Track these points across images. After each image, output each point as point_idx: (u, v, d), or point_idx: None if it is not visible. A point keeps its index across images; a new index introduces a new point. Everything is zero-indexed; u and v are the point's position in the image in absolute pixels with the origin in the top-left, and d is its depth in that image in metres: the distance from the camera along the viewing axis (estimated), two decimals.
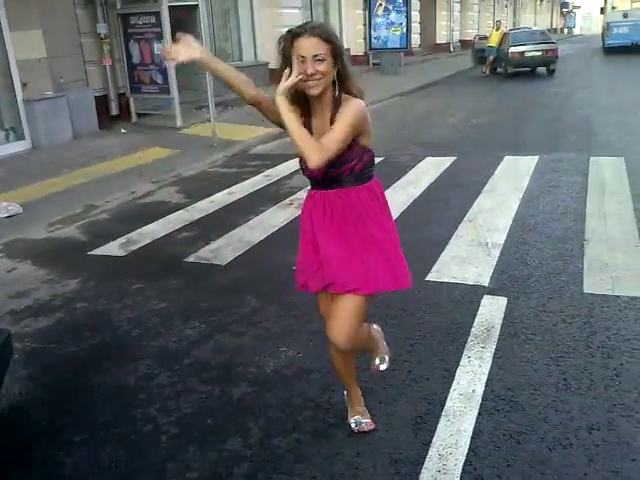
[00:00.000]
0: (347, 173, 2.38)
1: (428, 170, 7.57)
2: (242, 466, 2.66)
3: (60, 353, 3.77)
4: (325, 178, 2.40)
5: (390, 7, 21.03)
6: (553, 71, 19.37)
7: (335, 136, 2.24)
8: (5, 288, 4.80)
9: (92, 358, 3.69)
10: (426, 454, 2.64)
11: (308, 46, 2.21)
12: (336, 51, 2.26)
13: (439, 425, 2.82)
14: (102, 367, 3.57)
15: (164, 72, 11.09)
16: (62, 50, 10.35)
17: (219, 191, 7.36)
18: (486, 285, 4.27)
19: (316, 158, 2.20)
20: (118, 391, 3.32)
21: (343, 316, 2.48)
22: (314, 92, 2.27)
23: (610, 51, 25.08)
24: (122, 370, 3.51)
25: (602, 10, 27.85)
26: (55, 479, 2.69)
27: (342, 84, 2.33)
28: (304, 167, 2.42)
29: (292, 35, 2.27)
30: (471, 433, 2.75)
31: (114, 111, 11.75)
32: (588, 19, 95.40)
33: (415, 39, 27.99)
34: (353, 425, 2.83)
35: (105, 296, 4.55)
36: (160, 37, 10.86)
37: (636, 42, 23.87)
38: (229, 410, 3.08)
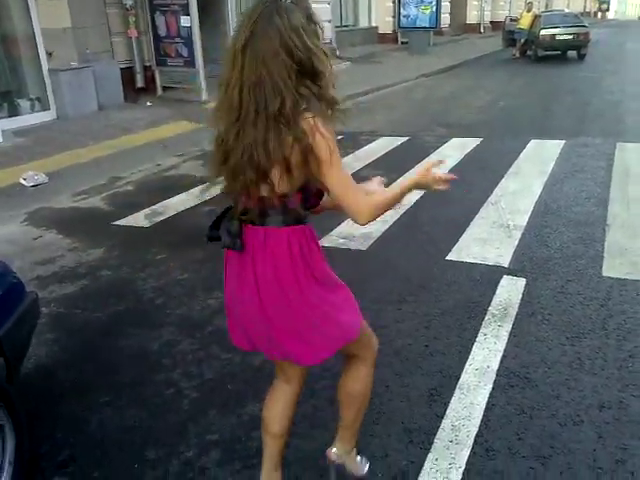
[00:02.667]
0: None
1: (453, 151, 7.55)
2: (260, 430, 2.75)
3: (85, 318, 3.88)
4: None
5: None
6: (584, 55, 19.03)
7: None
8: (31, 255, 4.93)
9: (116, 324, 3.80)
10: (439, 425, 2.71)
11: None
12: None
13: (453, 398, 2.89)
14: (126, 332, 3.68)
15: (190, 45, 11.09)
16: (87, 20, 10.39)
17: None
18: (506, 266, 4.30)
19: None
20: (142, 356, 3.42)
21: None
22: None
23: None
24: (146, 336, 3.62)
25: None
26: (80, 435, 2.80)
27: None
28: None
29: None
30: (484, 407, 2.82)
31: (139, 84, 11.77)
32: (623, 3, 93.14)
33: (445, 18, 27.61)
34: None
35: (129, 265, 4.65)
36: (186, 10, 10.83)
37: None
38: (249, 377, 3.17)
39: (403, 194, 1.90)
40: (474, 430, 2.66)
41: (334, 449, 2.40)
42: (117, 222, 5.65)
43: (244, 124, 1.72)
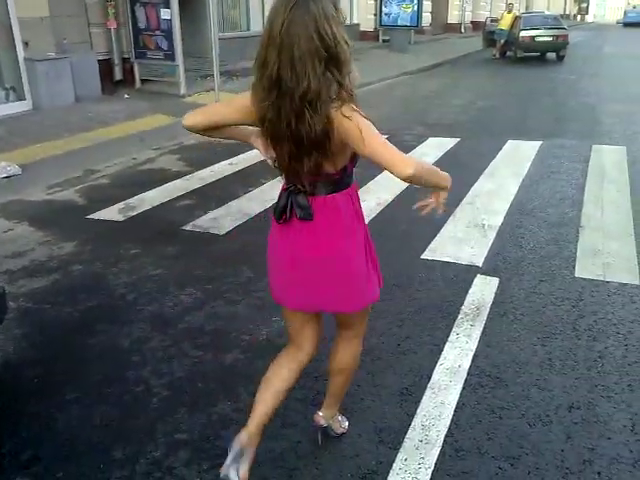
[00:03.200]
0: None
1: (431, 150, 7.57)
2: (230, 429, 2.72)
3: (55, 313, 3.81)
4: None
5: None
6: (563, 57, 19.25)
7: None
8: (1, 248, 4.84)
9: (87, 319, 3.74)
10: (410, 424, 2.71)
11: None
12: None
13: (424, 397, 2.89)
14: (97, 329, 3.62)
15: (170, 38, 10.98)
16: (65, 10, 10.21)
17: (220, 161, 7.38)
18: (479, 265, 4.32)
19: None
20: (112, 352, 3.37)
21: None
22: None
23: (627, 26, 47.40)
24: (116, 332, 3.57)
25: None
26: (46, 434, 2.75)
27: None
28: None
29: None
30: (454, 406, 2.82)
31: (118, 76, 11.63)
32: (602, 7, 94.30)
33: (426, 17, 27.68)
34: None
35: (102, 260, 4.59)
36: (167, 2, 10.73)
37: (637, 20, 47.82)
38: (220, 375, 3.14)
39: (439, 175, 2.01)
40: (444, 430, 2.67)
41: (321, 414, 2.57)
42: (91, 216, 5.58)
43: (283, 101, 1.85)
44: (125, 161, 7.43)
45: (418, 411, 2.79)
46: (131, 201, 5.93)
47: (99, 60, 10.97)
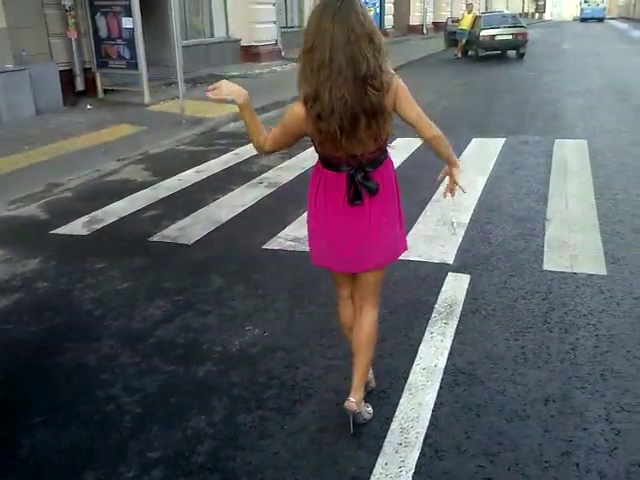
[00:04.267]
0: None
1: (399, 151, 7.56)
2: (205, 444, 2.67)
3: (19, 333, 3.69)
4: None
5: None
6: (523, 55, 19.55)
7: None
8: None
9: (53, 338, 3.64)
10: (388, 427, 2.68)
11: None
12: None
13: (401, 399, 2.86)
14: (63, 347, 3.52)
15: (133, 47, 10.83)
16: (24, 21, 10.04)
17: (187, 169, 7.29)
18: (450, 263, 4.33)
19: None
20: (80, 371, 3.28)
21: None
22: None
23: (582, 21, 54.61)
24: (84, 350, 3.47)
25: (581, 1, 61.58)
26: (10, 461, 2.63)
27: None
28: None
29: None
30: (432, 406, 2.80)
31: (79, 86, 11.45)
32: (559, 5, 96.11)
33: (388, 20, 27.95)
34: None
35: (67, 276, 4.48)
36: (128, 11, 10.59)
37: (592, 16, 55.17)
38: (193, 389, 3.07)
39: (451, 156, 2.54)
40: (423, 431, 2.64)
41: (353, 399, 2.60)
42: (54, 231, 5.45)
43: (335, 81, 2.13)
44: (89, 173, 7.28)
45: (396, 413, 2.76)
46: (96, 214, 5.81)
47: (60, 71, 10.78)
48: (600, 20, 53.98)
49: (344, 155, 2.32)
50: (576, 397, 2.84)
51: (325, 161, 2.42)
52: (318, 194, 2.47)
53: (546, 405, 2.79)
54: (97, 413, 2.92)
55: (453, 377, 3.02)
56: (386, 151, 2.44)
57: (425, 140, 2.40)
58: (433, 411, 2.77)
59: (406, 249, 2.68)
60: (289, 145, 2.45)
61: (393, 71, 2.27)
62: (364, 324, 2.65)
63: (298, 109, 2.27)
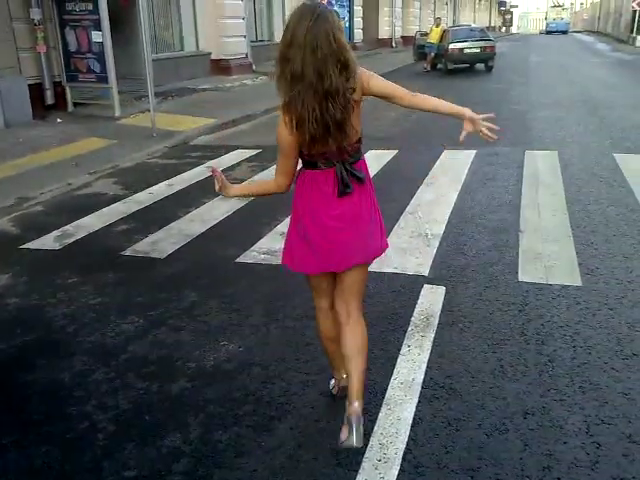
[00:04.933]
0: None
1: (370, 163, 7.49)
2: (182, 462, 2.62)
3: None
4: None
5: (333, 1, 21.02)
6: (491, 67, 19.84)
7: None
8: None
9: (24, 355, 3.56)
10: (367, 443, 2.64)
11: None
12: None
13: (380, 414, 2.84)
14: (35, 364, 3.44)
15: (102, 60, 10.76)
16: None
17: (158, 182, 7.22)
18: (426, 275, 4.34)
19: None
20: (52, 389, 3.21)
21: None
22: None
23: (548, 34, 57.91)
24: (56, 367, 3.40)
25: (546, 16, 63.43)
26: None
27: None
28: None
29: None
30: (411, 422, 2.78)
31: (49, 100, 11.31)
32: (525, 19, 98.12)
33: (358, 34, 28.16)
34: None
35: (38, 291, 4.39)
36: (98, 25, 10.53)
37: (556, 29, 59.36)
38: (168, 406, 3.01)
39: (452, 107, 2.61)
40: (402, 447, 2.62)
41: (357, 404, 2.52)
42: (25, 245, 5.35)
43: (307, 93, 2.23)
44: (60, 187, 7.17)
45: (375, 429, 2.74)
46: (67, 228, 5.72)
47: (29, 85, 10.67)
48: (564, 32, 58.44)
49: (334, 148, 2.37)
50: (555, 410, 2.84)
51: (310, 163, 2.46)
52: (304, 196, 2.52)
53: (525, 418, 2.78)
54: (70, 431, 2.85)
55: (432, 391, 3.01)
56: (361, 150, 2.54)
57: (412, 105, 2.55)
58: (412, 426, 2.75)
59: (387, 246, 2.71)
60: (297, 164, 2.53)
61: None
62: (357, 333, 2.64)
63: (281, 130, 2.36)
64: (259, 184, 2.64)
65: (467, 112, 2.56)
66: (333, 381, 2.98)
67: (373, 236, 2.58)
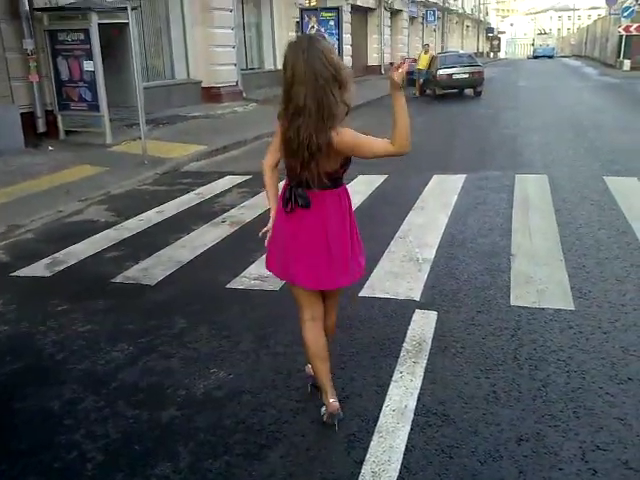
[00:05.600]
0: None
1: (360, 188, 7.62)
2: None
3: None
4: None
5: (322, 29, 21.25)
6: (480, 93, 20.09)
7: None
8: None
9: (13, 384, 3.51)
10: (359, 472, 2.61)
11: None
12: None
13: (372, 442, 2.80)
14: (24, 393, 3.39)
15: (94, 89, 10.85)
16: None
17: (149, 209, 7.21)
18: (417, 299, 4.32)
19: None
20: (41, 417, 3.16)
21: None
22: None
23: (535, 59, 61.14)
24: (46, 395, 3.35)
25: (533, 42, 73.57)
26: None
27: None
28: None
29: None
30: (404, 449, 2.74)
31: (41, 128, 11.34)
32: (512, 44, 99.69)
33: (347, 61, 28.40)
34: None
35: (28, 319, 4.35)
36: (90, 54, 10.65)
37: (543, 54, 65.65)
38: (158, 434, 2.97)
39: (400, 104, 2.49)
40: (395, 475, 2.58)
41: (334, 400, 2.87)
42: (15, 273, 5.31)
43: (304, 123, 2.46)
44: (51, 214, 7.15)
45: (367, 457, 2.70)
46: (58, 255, 5.69)
47: (21, 113, 10.72)
48: (550, 57, 64.73)
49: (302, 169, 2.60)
50: (550, 436, 2.80)
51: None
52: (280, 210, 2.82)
53: (520, 445, 2.75)
54: (58, 461, 2.81)
55: (424, 418, 2.97)
56: (336, 182, 2.72)
57: (395, 151, 2.58)
58: (405, 454, 2.71)
59: (363, 273, 3.00)
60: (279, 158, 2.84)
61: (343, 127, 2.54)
62: (332, 317, 3.06)
63: (279, 128, 2.65)
64: (269, 188, 2.95)
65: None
66: (324, 408, 2.95)
67: (355, 259, 2.87)
